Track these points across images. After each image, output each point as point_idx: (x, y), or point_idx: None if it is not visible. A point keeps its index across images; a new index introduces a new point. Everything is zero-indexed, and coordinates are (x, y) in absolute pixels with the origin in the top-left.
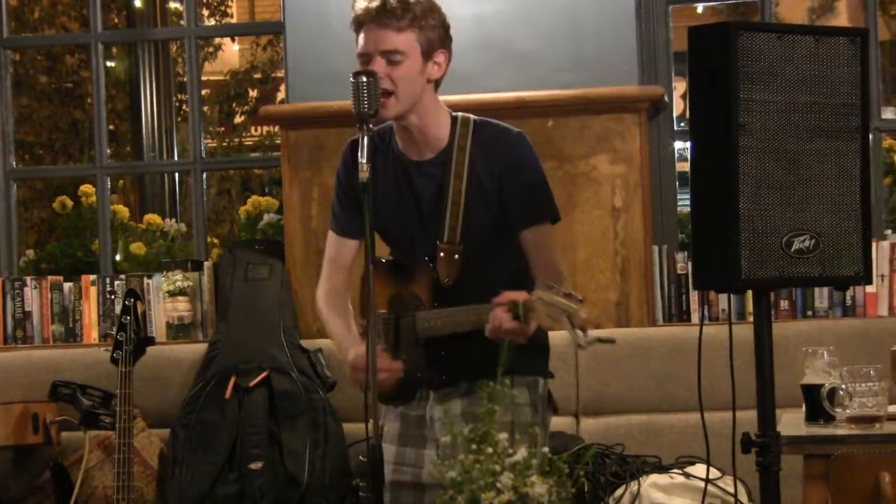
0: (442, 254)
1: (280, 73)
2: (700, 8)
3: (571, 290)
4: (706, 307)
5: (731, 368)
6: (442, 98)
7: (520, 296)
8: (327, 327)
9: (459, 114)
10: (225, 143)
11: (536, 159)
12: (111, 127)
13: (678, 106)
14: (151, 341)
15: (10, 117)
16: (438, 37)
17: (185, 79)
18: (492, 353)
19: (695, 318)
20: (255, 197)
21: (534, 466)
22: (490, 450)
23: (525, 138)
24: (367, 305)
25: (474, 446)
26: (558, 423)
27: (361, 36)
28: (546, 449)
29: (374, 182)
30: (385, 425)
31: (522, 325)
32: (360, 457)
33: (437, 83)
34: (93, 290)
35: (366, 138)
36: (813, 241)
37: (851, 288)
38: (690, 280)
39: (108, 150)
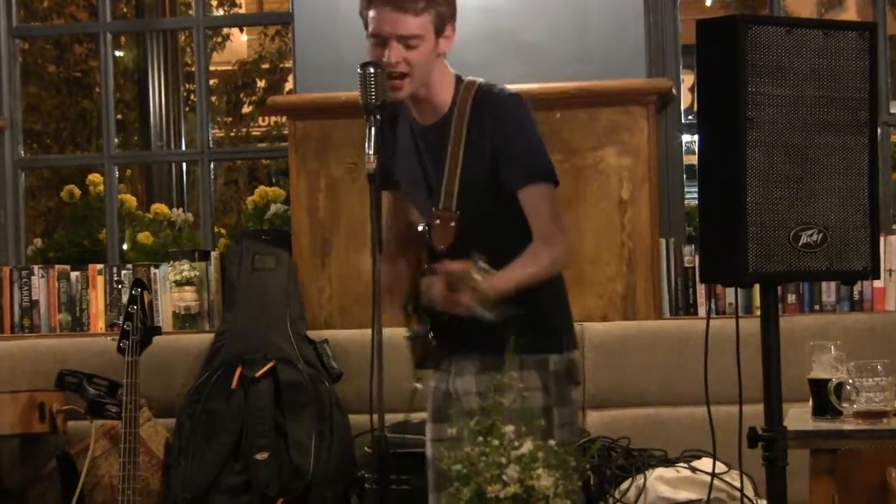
0: (438, 220)
1: (288, 64)
2: (708, 1)
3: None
4: (713, 300)
5: (737, 362)
6: None
7: (456, 266)
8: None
9: (467, 78)
10: (233, 134)
11: (530, 120)
12: (119, 116)
13: (686, 99)
14: (158, 331)
15: (18, 106)
16: (449, 12)
17: (193, 69)
18: (495, 327)
19: (702, 311)
20: (262, 187)
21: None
22: (496, 442)
23: (519, 99)
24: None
25: (480, 438)
26: None
27: (374, 15)
28: (552, 442)
29: (396, 147)
30: (427, 402)
31: (455, 297)
32: (366, 448)
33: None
34: (100, 280)
35: (373, 129)
36: (821, 235)
37: (859, 282)
38: (697, 273)
39: (116, 140)
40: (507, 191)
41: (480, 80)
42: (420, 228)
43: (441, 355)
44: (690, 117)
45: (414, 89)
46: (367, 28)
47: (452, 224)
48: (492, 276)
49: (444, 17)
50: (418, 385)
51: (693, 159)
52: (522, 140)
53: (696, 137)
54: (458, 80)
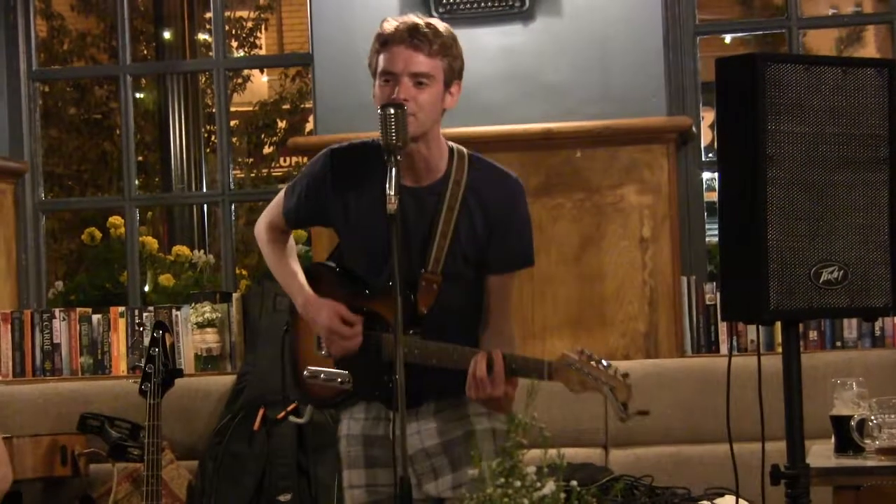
0: (423, 283)
1: (308, 104)
2: (728, 38)
3: (584, 349)
4: (735, 338)
5: (759, 399)
6: (471, 129)
7: (498, 356)
8: (268, 257)
9: (455, 145)
10: (253, 174)
11: (525, 206)
12: (140, 158)
13: (706, 136)
14: (180, 373)
15: (39, 149)
16: (459, 68)
17: (213, 110)
18: (457, 376)
19: (723, 348)
20: None
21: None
22: (518, 483)
23: (522, 186)
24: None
25: (502, 479)
26: (587, 454)
27: (385, 56)
28: (574, 483)
29: (358, 198)
30: (347, 451)
31: (495, 381)
32: None
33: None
34: (121, 322)
35: (394, 170)
36: (841, 272)
37: (880, 319)
38: (719, 311)
39: (137, 182)
40: (488, 270)
41: (465, 149)
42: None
43: (349, 402)
44: (711, 154)
45: (416, 133)
46: (374, 72)
47: (435, 287)
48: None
49: (454, 71)
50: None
51: (714, 196)
52: (519, 230)
53: (716, 175)
54: (449, 147)
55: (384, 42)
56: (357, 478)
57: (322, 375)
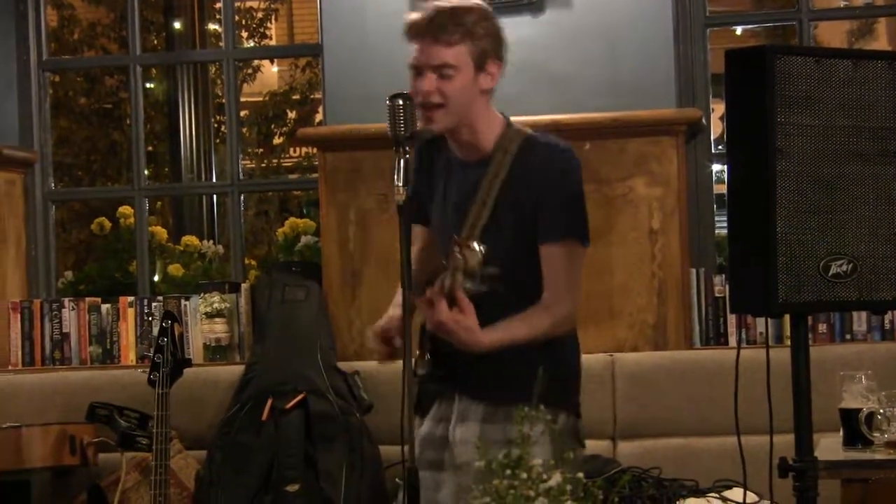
0: (457, 248)
1: (318, 95)
2: (738, 30)
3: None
4: (744, 330)
5: (768, 392)
6: None
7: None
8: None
9: (516, 126)
10: (263, 165)
11: (576, 177)
12: (149, 148)
13: (716, 128)
14: (189, 363)
15: (48, 139)
16: (491, 47)
17: (223, 100)
18: (505, 373)
19: (732, 341)
20: (292, 219)
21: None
22: (524, 475)
23: (570, 154)
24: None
25: (509, 472)
26: (595, 446)
27: (414, 47)
28: (581, 475)
29: (430, 176)
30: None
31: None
32: (396, 479)
33: (490, 92)
34: (130, 312)
35: (402, 161)
36: (851, 265)
37: (889, 312)
38: (728, 303)
39: (147, 172)
40: (538, 240)
41: (530, 130)
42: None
43: (433, 398)
44: (720, 147)
45: (450, 123)
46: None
47: None
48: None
49: (485, 52)
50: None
51: (723, 189)
52: (566, 201)
53: (725, 167)
54: (508, 123)
55: (408, 35)
56: (424, 479)
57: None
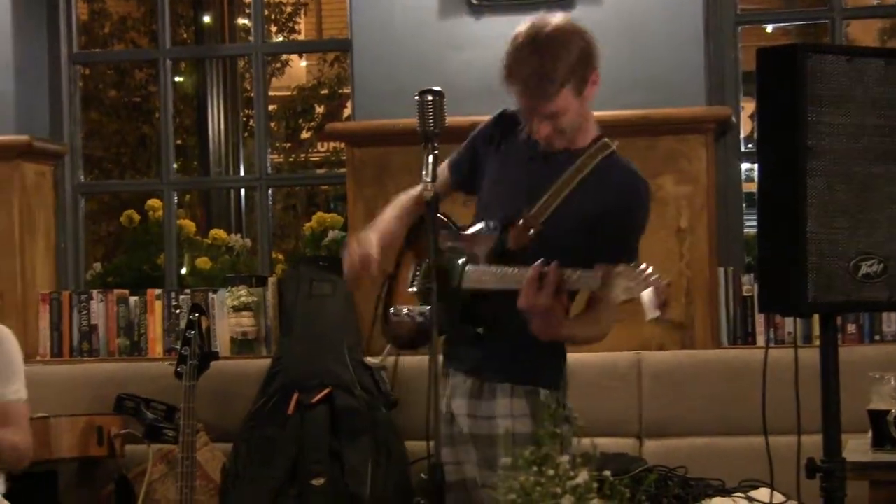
0: (521, 222)
1: (347, 90)
2: (769, 28)
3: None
4: (772, 330)
5: (796, 392)
6: None
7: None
8: (384, 211)
9: (606, 139)
10: (291, 159)
11: (645, 211)
12: (178, 142)
13: (745, 126)
14: (215, 356)
15: (78, 131)
16: (587, 65)
17: (251, 94)
18: (494, 354)
19: (760, 340)
20: (320, 213)
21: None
22: (551, 472)
23: (650, 191)
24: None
25: (535, 468)
26: (621, 444)
27: (516, 89)
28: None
29: (503, 149)
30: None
31: (544, 290)
32: (422, 475)
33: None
34: (158, 305)
35: (431, 156)
36: (881, 265)
37: None
38: (756, 302)
39: (175, 165)
40: (597, 254)
41: (615, 145)
42: (490, 226)
43: (423, 342)
44: (750, 145)
45: (564, 145)
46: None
47: (531, 232)
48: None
49: (585, 75)
50: (382, 359)
51: (752, 187)
52: (629, 227)
53: (755, 165)
54: (599, 133)
55: (507, 82)
56: (445, 455)
57: (405, 311)
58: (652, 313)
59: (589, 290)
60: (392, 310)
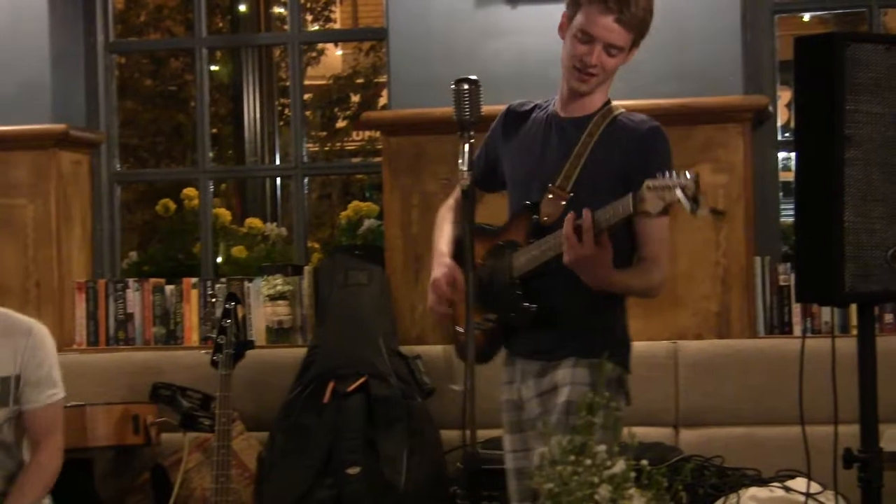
0: (550, 195)
1: (382, 79)
2: (806, 17)
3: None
4: (809, 319)
5: (833, 382)
6: None
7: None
8: (434, 234)
9: (613, 102)
10: (326, 148)
11: (664, 153)
12: (214, 131)
13: (782, 115)
14: (251, 345)
15: (114, 120)
16: (642, 37)
17: (287, 83)
18: (560, 333)
19: (797, 330)
20: (355, 202)
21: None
22: (588, 461)
23: (664, 134)
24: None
25: (572, 457)
26: (657, 433)
27: (587, 14)
28: (644, 462)
29: (517, 138)
30: (503, 417)
31: (585, 239)
32: (458, 464)
33: None
34: (194, 293)
35: (467, 145)
36: None
37: None
38: (793, 292)
39: (211, 154)
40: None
41: (622, 107)
42: (524, 205)
43: (496, 348)
44: (787, 134)
45: (593, 89)
46: (569, 20)
47: (563, 203)
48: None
49: (637, 42)
50: (456, 387)
51: (788, 176)
52: (659, 167)
53: (792, 154)
54: (608, 100)
55: (591, 1)
56: (508, 443)
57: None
58: (692, 208)
59: (626, 216)
60: (458, 328)
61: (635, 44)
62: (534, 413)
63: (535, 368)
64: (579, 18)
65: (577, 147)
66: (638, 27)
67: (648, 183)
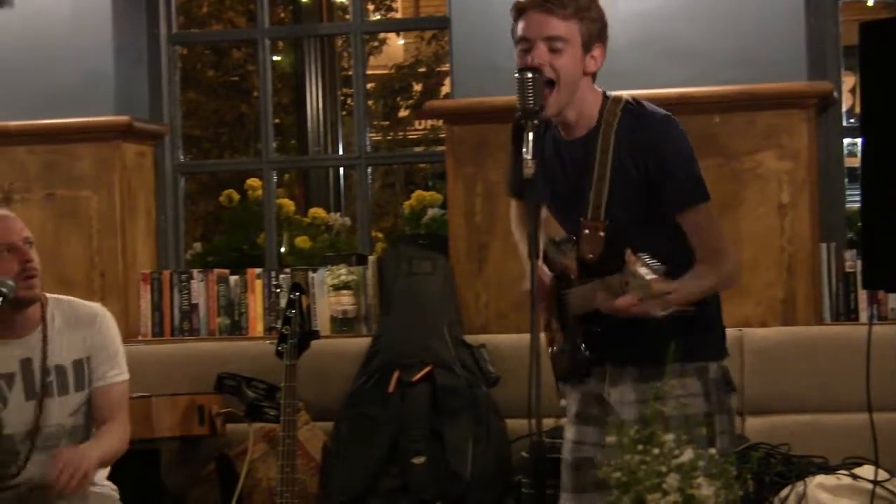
0: (586, 230)
1: (444, 68)
2: (870, 1)
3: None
4: (875, 306)
5: None
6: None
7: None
8: (519, 247)
9: (614, 94)
10: (389, 137)
11: (682, 142)
12: (277, 121)
13: (847, 101)
14: (316, 335)
15: (178, 111)
16: (598, 30)
17: (350, 73)
18: (655, 336)
19: (863, 317)
20: (419, 191)
21: (701, 464)
22: (656, 451)
23: (670, 121)
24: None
25: (640, 447)
26: None
27: (522, 23)
28: (713, 450)
29: (543, 157)
30: (567, 406)
31: (623, 301)
32: (523, 453)
33: (593, 76)
34: (258, 284)
35: (531, 134)
36: None
37: None
38: (859, 278)
39: (274, 145)
40: (671, 210)
41: (627, 95)
42: (565, 240)
43: (587, 368)
44: (852, 120)
45: (561, 104)
46: (515, 40)
47: (601, 233)
48: (660, 271)
49: (592, 34)
50: (564, 402)
51: (854, 162)
52: (679, 165)
53: (857, 140)
54: (605, 95)
55: (519, 10)
56: (569, 433)
57: (555, 348)
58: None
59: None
60: (552, 349)
61: (590, 44)
62: (631, 417)
63: (632, 372)
64: (518, 31)
65: (596, 170)
66: (577, 13)
67: (632, 269)
